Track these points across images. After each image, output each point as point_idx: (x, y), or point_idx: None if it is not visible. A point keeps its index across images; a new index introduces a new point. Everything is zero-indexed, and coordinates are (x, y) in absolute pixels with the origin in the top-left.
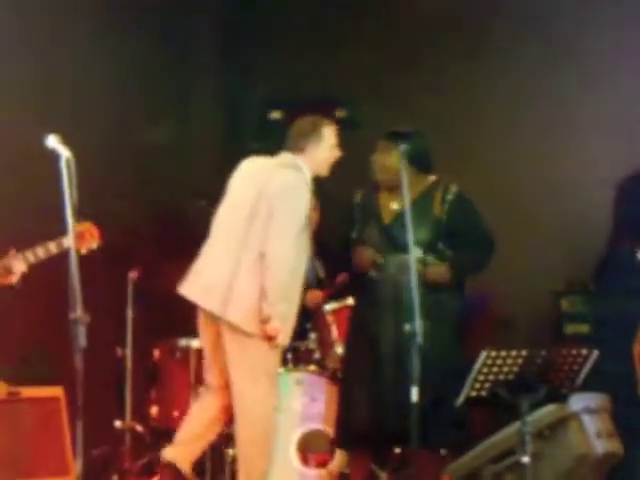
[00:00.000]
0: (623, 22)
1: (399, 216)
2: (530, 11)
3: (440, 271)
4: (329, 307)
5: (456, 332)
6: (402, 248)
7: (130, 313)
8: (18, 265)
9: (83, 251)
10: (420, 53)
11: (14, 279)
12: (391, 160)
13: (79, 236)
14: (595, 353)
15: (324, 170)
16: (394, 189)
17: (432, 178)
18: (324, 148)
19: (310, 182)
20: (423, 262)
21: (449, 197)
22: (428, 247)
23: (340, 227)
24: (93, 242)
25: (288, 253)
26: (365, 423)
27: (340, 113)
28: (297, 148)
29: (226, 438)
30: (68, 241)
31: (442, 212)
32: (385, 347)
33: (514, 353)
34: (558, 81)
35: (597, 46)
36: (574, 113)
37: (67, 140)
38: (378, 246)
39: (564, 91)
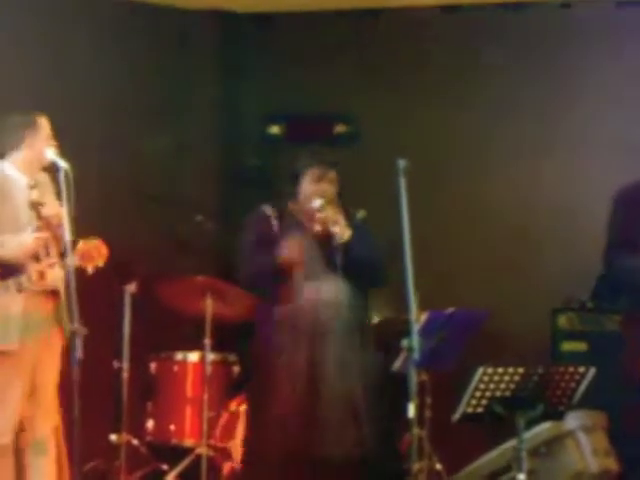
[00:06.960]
0: (624, 38)
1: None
2: (529, 30)
3: None
4: None
5: None
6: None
7: (127, 326)
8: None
9: (90, 269)
10: (421, 71)
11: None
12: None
13: (86, 254)
14: (592, 371)
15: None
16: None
17: None
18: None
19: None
20: None
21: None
22: None
23: None
24: (100, 260)
25: None
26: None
27: (339, 128)
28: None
29: (221, 452)
30: (70, 259)
31: None
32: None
33: (511, 370)
34: (558, 100)
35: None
36: (574, 131)
37: (63, 154)
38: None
39: (564, 109)
